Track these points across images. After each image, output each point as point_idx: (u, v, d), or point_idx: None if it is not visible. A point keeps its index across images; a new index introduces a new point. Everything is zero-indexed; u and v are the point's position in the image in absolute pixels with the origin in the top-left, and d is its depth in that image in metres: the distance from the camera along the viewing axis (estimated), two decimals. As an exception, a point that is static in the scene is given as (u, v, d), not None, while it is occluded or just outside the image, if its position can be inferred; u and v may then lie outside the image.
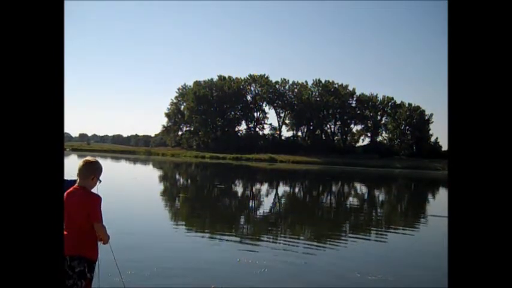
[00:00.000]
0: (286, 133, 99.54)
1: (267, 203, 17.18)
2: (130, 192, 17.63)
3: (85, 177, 3.47)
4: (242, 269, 6.42)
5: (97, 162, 3.59)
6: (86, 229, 3.40)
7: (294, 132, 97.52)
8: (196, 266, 6.49)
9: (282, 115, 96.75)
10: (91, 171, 3.49)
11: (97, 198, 3.45)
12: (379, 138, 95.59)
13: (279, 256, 7.61)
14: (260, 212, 14.58)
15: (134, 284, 4.47)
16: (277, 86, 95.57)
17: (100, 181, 3.58)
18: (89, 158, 3.63)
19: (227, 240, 8.99)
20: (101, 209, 3.48)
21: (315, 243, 9.11)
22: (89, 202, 3.40)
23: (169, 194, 18.94)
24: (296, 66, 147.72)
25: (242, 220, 12.58)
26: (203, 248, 7.99)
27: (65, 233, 3.37)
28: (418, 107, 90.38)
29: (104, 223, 3.46)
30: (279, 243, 9.06)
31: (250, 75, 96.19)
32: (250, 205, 16.56)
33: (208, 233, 9.87)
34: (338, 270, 6.79)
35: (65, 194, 3.44)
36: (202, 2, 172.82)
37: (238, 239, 9.16)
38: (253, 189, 23.89)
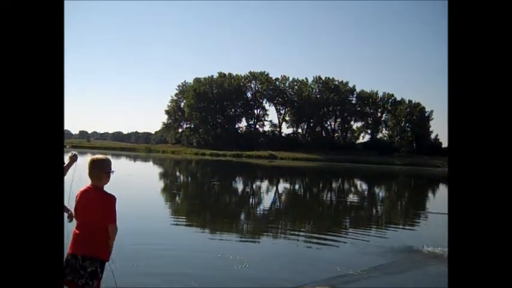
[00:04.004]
0: (286, 130, 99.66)
1: (262, 200, 17.18)
2: (125, 189, 17.63)
3: (97, 176, 3.42)
4: (222, 264, 6.40)
5: (106, 159, 3.52)
6: (99, 229, 3.37)
7: (294, 129, 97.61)
8: (178, 261, 6.51)
9: (282, 112, 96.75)
10: (102, 169, 3.43)
11: (112, 199, 3.40)
12: (380, 135, 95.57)
13: (264, 252, 7.67)
14: (252, 209, 14.59)
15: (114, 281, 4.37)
16: (277, 83, 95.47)
17: (113, 171, 3.51)
18: (97, 156, 3.56)
19: (215, 236, 9.04)
20: (116, 209, 3.43)
21: (304, 240, 9.14)
22: (103, 203, 3.36)
23: (166, 190, 18.89)
24: (296, 63, 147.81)
25: (234, 217, 12.48)
26: (188, 244, 8.03)
27: (78, 231, 3.36)
28: (419, 104, 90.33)
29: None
30: (267, 239, 9.13)
31: (250, 72, 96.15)
32: (245, 202, 16.53)
33: (198, 229, 9.89)
34: (320, 265, 6.77)
35: (78, 193, 3.41)
36: (202, 2, 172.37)
37: (225, 235, 9.21)
38: (252, 186, 23.88)
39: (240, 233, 9.77)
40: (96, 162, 3.46)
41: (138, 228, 8.66)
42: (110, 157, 3.68)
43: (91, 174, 3.43)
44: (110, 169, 3.49)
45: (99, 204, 3.37)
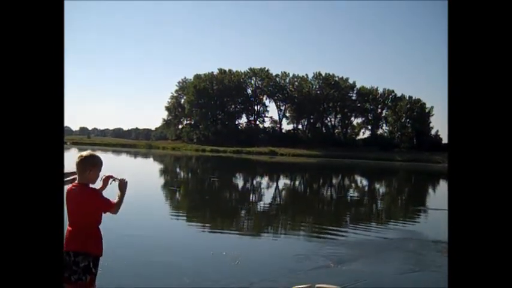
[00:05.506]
0: (286, 126, 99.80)
1: (261, 196, 17.16)
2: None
3: (80, 173, 3.44)
4: (213, 261, 6.41)
5: (91, 156, 3.51)
6: (89, 225, 3.42)
7: (295, 125, 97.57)
8: (170, 257, 6.52)
9: (283, 108, 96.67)
10: (85, 166, 3.43)
11: (94, 194, 3.44)
12: (380, 131, 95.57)
13: (260, 248, 7.74)
14: (251, 205, 14.59)
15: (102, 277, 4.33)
16: (277, 79, 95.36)
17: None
18: (83, 152, 3.56)
19: (211, 232, 9.11)
20: (103, 197, 3.47)
21: (303, 236, 9.17)
22: (88, 201, 3.40)
23: (164, 186, 18.85)
24: (296, 59, 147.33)
25: (231, 213, 12.46)
26: (183, 239, 8.10)
27: (70, 228, 3.39)
28: (419, 100, 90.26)
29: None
30: (264, 235, 9.19)
31: (250, 69, 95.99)
32: (244, 199, 16.52)
33: (194, 225, 9.91)
34: (312, 260, 6.76)
35: (66, 190, 3.43)
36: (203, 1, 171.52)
37: (221, 231, 9.26)
38: (252, 183, 23.91)
39: (236, 229, 9.79)
40: (83, 159, 3.46)
41: (133, 223, 8.68)
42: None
43: (77, 170, 3.46)
44: (96, 167, 3.48)
45: (85, 203, 3.40)
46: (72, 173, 3.60)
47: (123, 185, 3.57)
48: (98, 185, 3.64)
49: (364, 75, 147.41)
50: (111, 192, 3.66)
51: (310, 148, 76.84)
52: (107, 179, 3.67)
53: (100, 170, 3.53)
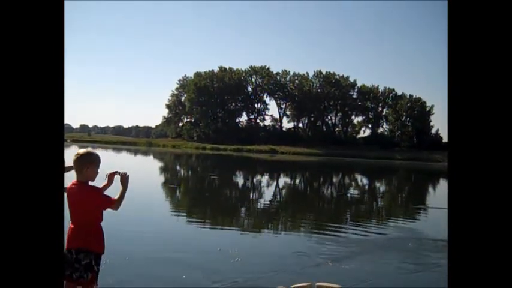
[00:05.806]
0: (287, 124, 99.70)
1: (261, 195, 17.18)
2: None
3: (78, 171, 3.45)
4: (212, 258, 6.39)
5: (87, 154, 3.50)
6: (89, 223, 3.43)
7: (295, 123, 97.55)
8: (168, 254, 6.53)
9: (283, 106, 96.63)
10: (82, 164, 3.44)
11: (94, 192, 3.46)
12: (380, 130, 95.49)
13: (257, 245, 7.76)
14: (251, 203, 14.58)
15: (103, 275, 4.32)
16: (278, 77, 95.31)
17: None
18: (79, 150, 3.55)
19: (208, 229, 9.15)
20: (103, 194, 3.52)
21: (296, 233, 9.23)
22: (88, 199, 3.42)
23: (164, 184, 18.88)
24: (297, 57, 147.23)
25: (231, 211, 12.41)
26: (184, 236, 8.13)
27: (71, 226, 3.41)
28: (419, 99, 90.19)
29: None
30: (263, 233, 9.20)
31: (251, 67, 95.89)
32: (243, 197, 16.50)
33: (195, 222, 9.91)
34: (312, 258, 6.75)
35: (67, 188, 3.43)
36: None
37: (219, 228, 9.31)
38: (252, 181, 23.90)
39: (236, 226, 9.81)
40: (79, 157, 3.47)
41: (133, 220, 8.70)
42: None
43: (75, 168, 3.47)
44: (93, 164, 3.47)
45: (85, 202, 3.42)
46: (71, 167, 3.61)
47: (125, 178, 3.59)
48: (99, 182, 3.64)
49: (364, 74, 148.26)
50: (112, 189, 3.67)
51: (311, 146, 76.85)
52: (111, 176, 3.69)
53: (98, 167, 3.52)
